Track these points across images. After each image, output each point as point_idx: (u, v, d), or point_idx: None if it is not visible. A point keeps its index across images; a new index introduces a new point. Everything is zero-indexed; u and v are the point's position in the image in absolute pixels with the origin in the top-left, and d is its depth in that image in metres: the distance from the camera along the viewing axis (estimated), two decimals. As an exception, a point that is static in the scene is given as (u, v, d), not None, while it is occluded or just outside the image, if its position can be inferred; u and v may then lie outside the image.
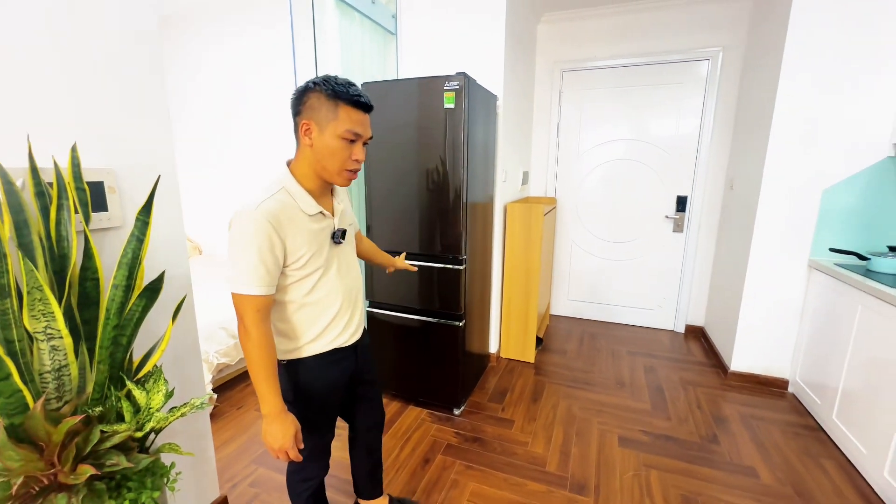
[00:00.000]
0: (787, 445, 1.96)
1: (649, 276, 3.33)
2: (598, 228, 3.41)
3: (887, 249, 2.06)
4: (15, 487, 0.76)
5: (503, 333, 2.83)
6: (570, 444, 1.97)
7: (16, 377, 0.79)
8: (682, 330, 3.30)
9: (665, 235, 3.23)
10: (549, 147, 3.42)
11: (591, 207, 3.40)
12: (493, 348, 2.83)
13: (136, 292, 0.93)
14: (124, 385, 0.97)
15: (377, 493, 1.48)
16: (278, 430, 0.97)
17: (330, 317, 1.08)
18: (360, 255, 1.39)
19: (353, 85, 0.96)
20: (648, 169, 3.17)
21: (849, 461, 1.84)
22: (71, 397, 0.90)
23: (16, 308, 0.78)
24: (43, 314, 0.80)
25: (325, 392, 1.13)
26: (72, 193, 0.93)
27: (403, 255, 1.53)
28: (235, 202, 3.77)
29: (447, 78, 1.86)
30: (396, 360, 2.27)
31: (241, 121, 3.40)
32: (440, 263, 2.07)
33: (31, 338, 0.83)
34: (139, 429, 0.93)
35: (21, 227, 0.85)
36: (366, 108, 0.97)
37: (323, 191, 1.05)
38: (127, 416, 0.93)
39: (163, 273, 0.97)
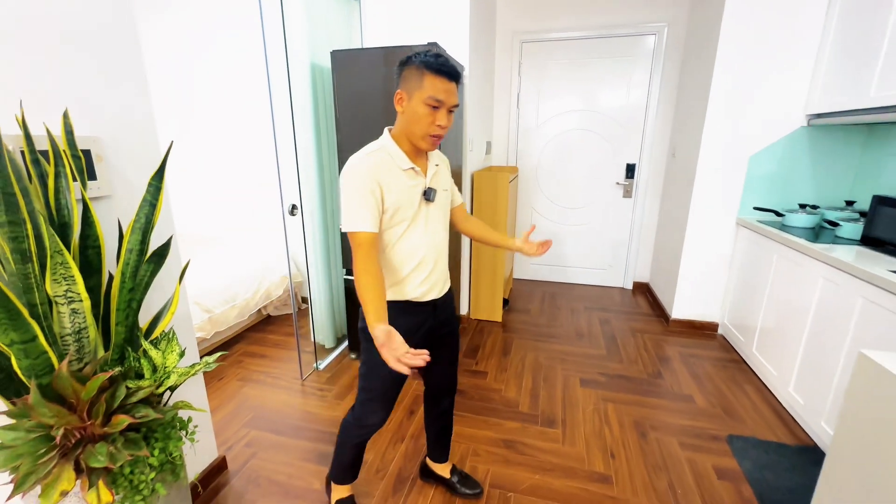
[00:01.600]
0: (717, 376, 2.31)
1: (601, 239, 3.62)
2: (556, 195, 3.62)
3: (798, 207, 2.41)
4: (58, 437, 0.81)
5: (472, 296, 3.01)
6: (539, 388, 2.20)
7: (41, 339, 0.82)
8: (630, 286, 3.64)
9: (616, 200, 3.51)
10: (510, 117, 3.54)
11: (549, 175, 3.59)
12: (463, 311, 3.00)
13: (146, 257, 0.96)
14: (138, 346, 1.01)
15: (443, 459, 1.57)
16: (380, 349, 0.95)
17: (409, 268, 1.16)
18: (467, 233, 1.39)
19: (441, 56, 1.03)
20: (601, 138, 3.40)
21: (764, 384, 2.22)
22: (90, 358, 0.93)
23: (37, 272, 0.81)
24: (64, 278, 0.83)
25: None
26: (68, 161, 0.93)
27: (528, 233, 1.32)
28: (203, 173, 3.51)
29: (418, 47, 1.91)
30: (375, 325, 2.37)
31: (207, 86, 3.18)
32: (416, 230, 2.17)
33: (50, 302, 0.85)
34: (159, 385, 0.99)
35: (24, 195, 0.86)
36: (449, 76, 1.02)
37: (417, 153, 1.14)
38: (146, 374, 0.98)
39: (170, 238, 1.00)
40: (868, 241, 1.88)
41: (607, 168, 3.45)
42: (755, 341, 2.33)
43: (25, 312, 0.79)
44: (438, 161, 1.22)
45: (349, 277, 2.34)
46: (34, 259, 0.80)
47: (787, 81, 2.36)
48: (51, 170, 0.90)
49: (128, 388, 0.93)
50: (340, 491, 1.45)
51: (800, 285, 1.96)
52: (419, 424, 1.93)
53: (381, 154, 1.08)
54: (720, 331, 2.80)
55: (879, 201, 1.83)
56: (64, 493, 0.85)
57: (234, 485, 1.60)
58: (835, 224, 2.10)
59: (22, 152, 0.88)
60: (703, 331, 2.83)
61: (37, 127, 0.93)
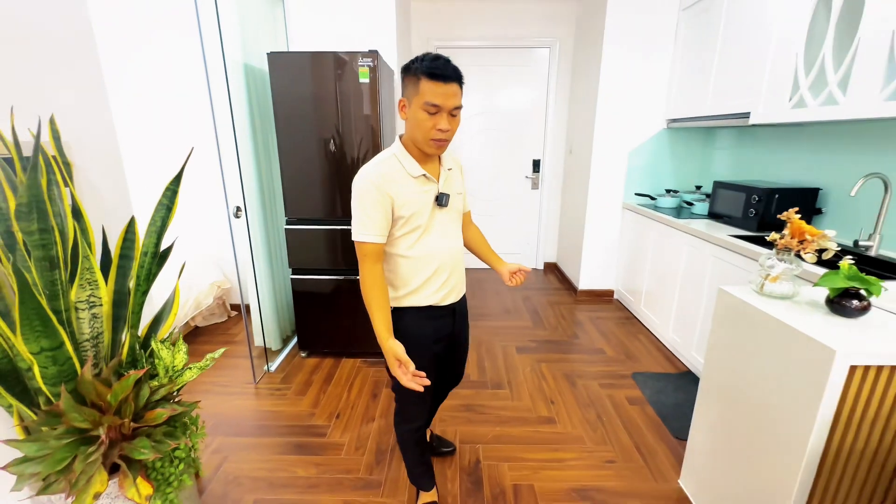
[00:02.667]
0: (618, 331, 2.85)
1: (515, 227, 4.07)
2: (472, 189, 3.97)
3: (665, 191, 3.07)
4: (104, 436, 0.83)
5: (410, 287, 3.20)
6: (483, 360, 2.50)
7: (68, 345, 0.83)
8: (542, 267, 4.17)
9: (526, 192, 3.98)
10: (429, 118, 3.77)
11: (469, 172, 3.93)
12: (402, 301, 3.18)
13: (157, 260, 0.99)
14: (146, 347, 1.03)
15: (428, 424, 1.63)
16: (385, 355, 1.09)
17: (428, 274, 1.17)
18: (465, 244, 1.37)
19: (439, 60, 1.01)
20: (509, 137, 3.83)
21: (651, 332, 2.81)
22: (104, 362, 0.94)
23: (65, 279, 0.81)
24: (89, 283, 0.84)
25: (419, 343, 1.21)
26: (58, 168, 0.92)
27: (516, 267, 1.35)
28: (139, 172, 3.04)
29: (361, 54, 2.03)
30: (325, 320, 2.44)
31: (137, 88, 2.79)
32: (363, 226, 2.29)
33: (68, 308, 0.85)
34: (175, 383, 1.02)
35: (52, 202, 0.84)
36: (444, 79, 0.99)
37: (427, 158, 1.15)
38: (160, 373, 1.01)
39: (175, 240, 1.03)
40: (713, 215, 2.52)
41: (516, 163, 3.90)
42: (642, 300, 2.93)
43: (55, 319, 0.80)
44: (452, 165, 1.22)
45: (297, 276, 2.36)
46: (61, 265, 0.80)
47: (652, 93, 2.99)
48: (44, 178, 0.88)
49: (150, 387, 0.95)
50: (424, 497, 1.48)
51: (670, 252, 2.55)
52: (385, 404, 2.08)
53: (392, 162, 1.10)
54: (616, 296, 3.42)
55: (717, 185, 2.48)
56: (97, 496, 0.87)
57: (213, 489, 1.59)
58: (690, 204, 2.75)
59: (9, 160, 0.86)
60: (604, 297, 3.42)
61: (20, 133, 0.89)
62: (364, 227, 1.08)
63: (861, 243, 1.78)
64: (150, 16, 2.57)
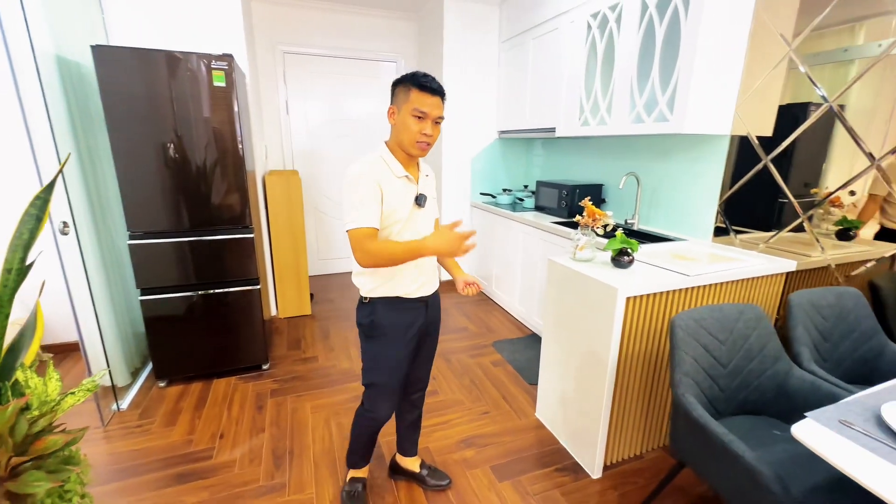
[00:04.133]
0: (478, 310, 3.33)
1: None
2: (335, 194, 4.03)
3: (502, 190, 3.69)
4: (4, 471, 0.73)
5: (279, 296, 3.10)
6: (366, 354, 2.64)
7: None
8: (406, 265, 4.47)
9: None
10: (281, 123, 3.69)
11: (327, 177, 3.96)
12: (272, 312, 3.06)
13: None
14: (9, 374, 0.89)
15: (412, 452, 1.65)
16: (440, 246, 1.19)
17: (401, 266, 1.26)
18: None
19: (426, 76, 1.18)
20: (367, 144, 4.00)
21: (504, 308, 3.36)
22: (-41, 402, 0.80)
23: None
24: (-57, 307, 0.73)
25: (394, 333, 1.32)
26: None
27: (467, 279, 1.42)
28: None
29: (215, 57, 1.96)
30: (186, 342, 2.22)
31: None
32: (227, 234, 2.18)
33: None
34: (54, 412, 0.93)
35: None
36: (432, 91, 1.16)
37: (409, 162, 1.27)
38: (35, 403, 0.91)
39: (39, 254, 0.93)
40: (538, 208, 3.17)
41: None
42: (493, 282, 3.47)
43: None
44: (428, 172, 1.37)
45: (148, 298, 2.10)
46: None
47: (486, 108, 3.55)
48: None
49: (28, 419, 0.85)
50: (355, 473, 1.58)
51: (511, 240, 3.11)
52: (273, 413, 2.04)
53: (379, 163, 1.22)
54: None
55: (539, 184, 3.13)
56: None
57: (76, 548, 1.37)
58: (521, 200, 3.38)
59: None
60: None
61: None
62: (360, 214, 1.17)
63: (628, 221, 2.54)
64: None
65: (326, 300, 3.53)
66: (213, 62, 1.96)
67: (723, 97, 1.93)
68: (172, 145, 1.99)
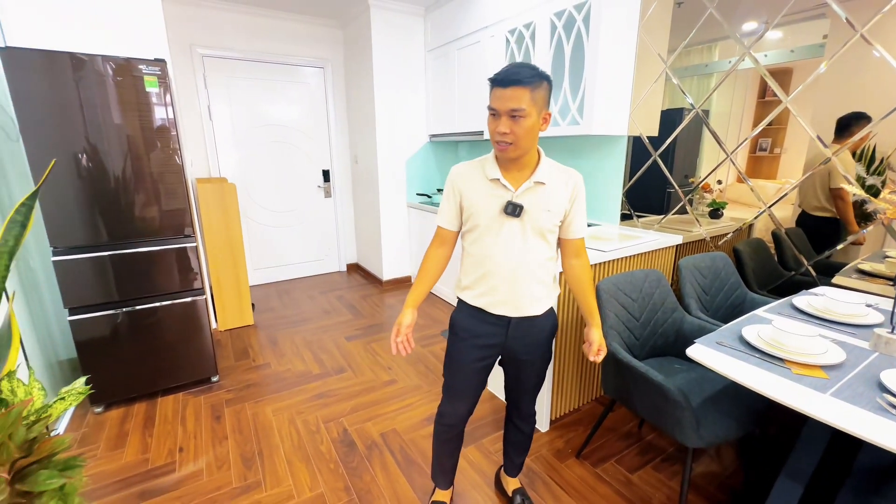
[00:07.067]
0: (423, 304, 3.50)
1: (313, 235, 4.25)
2: (266, 201, 3.93)
3: (437, 190, 3.90)
4: (9, 474, 0.74)
5: (218, 307, 2.99)
6: (320, 354, 2.68)
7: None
8: (345, 269, 4.49)
9: (319, 201, 4.21)
10: (204, 130, 3.53)
11: (258, 184, 3.85)
12: (212, 325, 2.94)
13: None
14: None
15: (510, 472, 1.57)
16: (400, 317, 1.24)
17: (477, 275, 1.20)
18: (566, 277, 1.29)
19: (507, 67, 1.04)
20: (298, 149, 3.98)
21: (444, 300, 3.57)
22: (-50, 414, 0.79)
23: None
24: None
25: (464, 338, 1.26)
26: None
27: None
28: None
29: (146, 61, 1.90)
30: (123, 361, 2.10)
31: None
32: (169, 245, 2.11)
33: None
34: (41, 420, 0.93)
35: None
36: (501, 83, 1.03)
37: (512, 165, 1.13)
38: (24, 412, 0.90)
39: (15, 260, 0.91)
40: (472, 204, 3.44)
41: (307, 174, 4.08)
42: (435, 277, 3.67)
43: None
44: (546, 180, 1.14)
45: (77, 317, 1.95)
46: None
47: (416, 113, 3.74)
48: None
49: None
50: (437, 495, 1.52)
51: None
52: (233, 421, 2.02)
53: (477, 164, 1.18)
54: (413, 280, 4.08)
55: (471, 183, 3.40)
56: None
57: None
58: (456, 198, 3.63)
59: None
60: (404, 282, 4.04)
61: None
62: (439, 212, 1.26)
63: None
64: None
65: (267, 309, 3.46)
66: (146, 67, 1.90)
67: (620, 104, 2.34)
68: (101, 154, 1.89)
